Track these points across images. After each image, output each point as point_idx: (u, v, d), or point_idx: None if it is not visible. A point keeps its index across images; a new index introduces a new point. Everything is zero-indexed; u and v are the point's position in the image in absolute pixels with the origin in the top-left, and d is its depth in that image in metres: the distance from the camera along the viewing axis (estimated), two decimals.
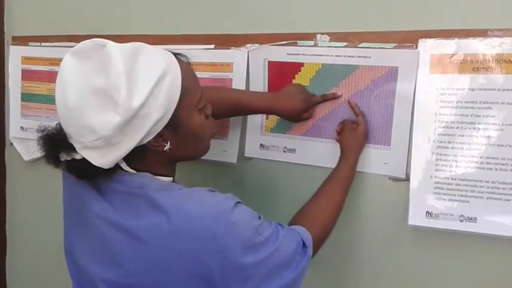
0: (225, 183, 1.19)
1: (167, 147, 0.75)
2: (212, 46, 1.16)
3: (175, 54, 0.76)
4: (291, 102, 1.01)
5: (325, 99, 1.04)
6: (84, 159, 0.71)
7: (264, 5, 1.10)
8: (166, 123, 0.72)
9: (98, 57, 0.69)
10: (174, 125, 0.74)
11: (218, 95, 1.01)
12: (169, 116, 0.72)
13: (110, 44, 0.70)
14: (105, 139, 0.68)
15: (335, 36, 1.02)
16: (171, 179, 0.81)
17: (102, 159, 0.70)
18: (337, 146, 1.02)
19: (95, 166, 0.71)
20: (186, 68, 0.76)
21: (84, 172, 0.73)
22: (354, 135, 0.99)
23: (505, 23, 0.87)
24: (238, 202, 0.74)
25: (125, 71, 0.67)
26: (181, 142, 0.76)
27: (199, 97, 0.78)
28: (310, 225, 0.81)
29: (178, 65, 0.74)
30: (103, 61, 0.68)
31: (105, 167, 0.72)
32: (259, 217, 0.76)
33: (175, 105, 0.72)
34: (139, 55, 0.70)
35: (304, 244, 0.77)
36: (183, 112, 0.74)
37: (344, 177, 0.94)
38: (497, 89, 0.88)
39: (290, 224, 0.85)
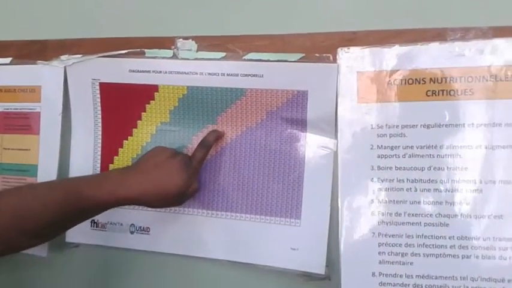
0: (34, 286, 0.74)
1: None
2: (8, 60, 0.71)
3: None
4: (170, 176, 0.58)
5: (207, 146, 0.62)
6: None
7: None
8: None
9: None
10: None
11: (33, 196, 0.55)
12: None
13: None
14: None
15: (206, 42, 0.62)
16: None
17: None
18: (233, 222, 0.63)
19: None
20: None
21: None
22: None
23: (469, 19, 0.54)
24: None
25: None
26: None
27: None
28: None
29: None
30: None
31: None
32: None
33: None
34: None
35: None
36: None
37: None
38: (469, 125, 0.54)
39: None
